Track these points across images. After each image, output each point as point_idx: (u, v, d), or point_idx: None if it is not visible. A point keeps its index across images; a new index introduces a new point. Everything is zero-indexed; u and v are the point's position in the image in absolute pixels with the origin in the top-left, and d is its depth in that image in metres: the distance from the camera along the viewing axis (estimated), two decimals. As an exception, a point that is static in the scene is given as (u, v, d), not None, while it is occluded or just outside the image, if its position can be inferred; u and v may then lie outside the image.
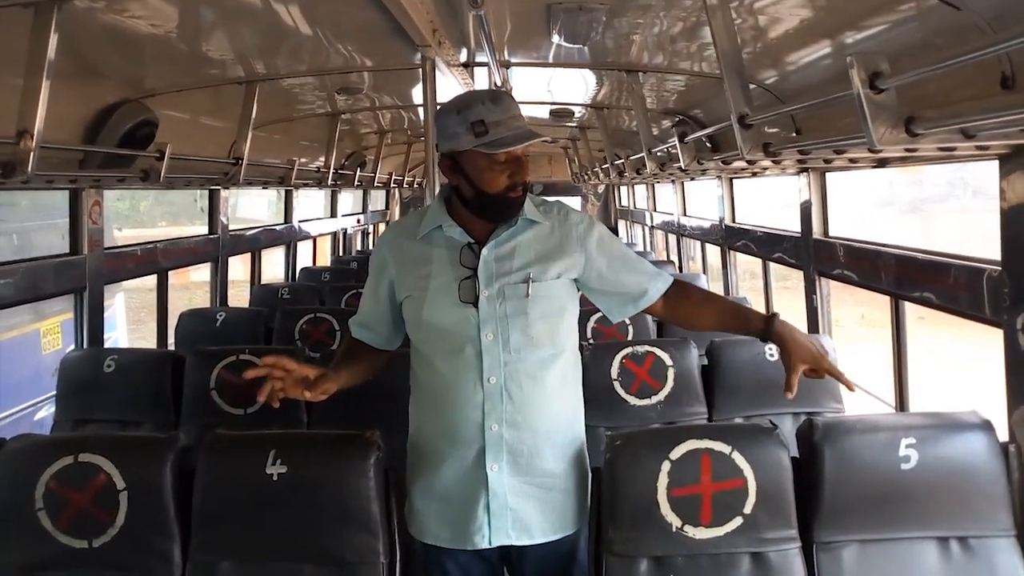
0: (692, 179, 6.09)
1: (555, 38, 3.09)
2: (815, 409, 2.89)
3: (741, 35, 2.68)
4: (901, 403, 3.05)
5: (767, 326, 1.90)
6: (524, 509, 1.84)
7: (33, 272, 3.37)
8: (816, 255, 3.71)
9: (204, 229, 5.58)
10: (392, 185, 10.91)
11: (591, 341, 3.66)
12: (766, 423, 1.98)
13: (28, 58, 2.34)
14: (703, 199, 6.47)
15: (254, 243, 6.39)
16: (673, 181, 6.78)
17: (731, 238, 5.38)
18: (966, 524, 1.88)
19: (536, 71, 4.30)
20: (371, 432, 1.95)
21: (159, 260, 4.62)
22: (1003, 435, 1.95)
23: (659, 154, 4.49)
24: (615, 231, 12.29)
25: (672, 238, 7.86)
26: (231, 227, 5.74)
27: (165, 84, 3.48)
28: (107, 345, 4.42)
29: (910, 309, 2.98)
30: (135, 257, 4.38)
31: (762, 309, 4.85)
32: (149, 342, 5.00)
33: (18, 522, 1.90)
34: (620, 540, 1.88)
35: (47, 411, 4.08)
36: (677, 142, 3.85)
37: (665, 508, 1.86)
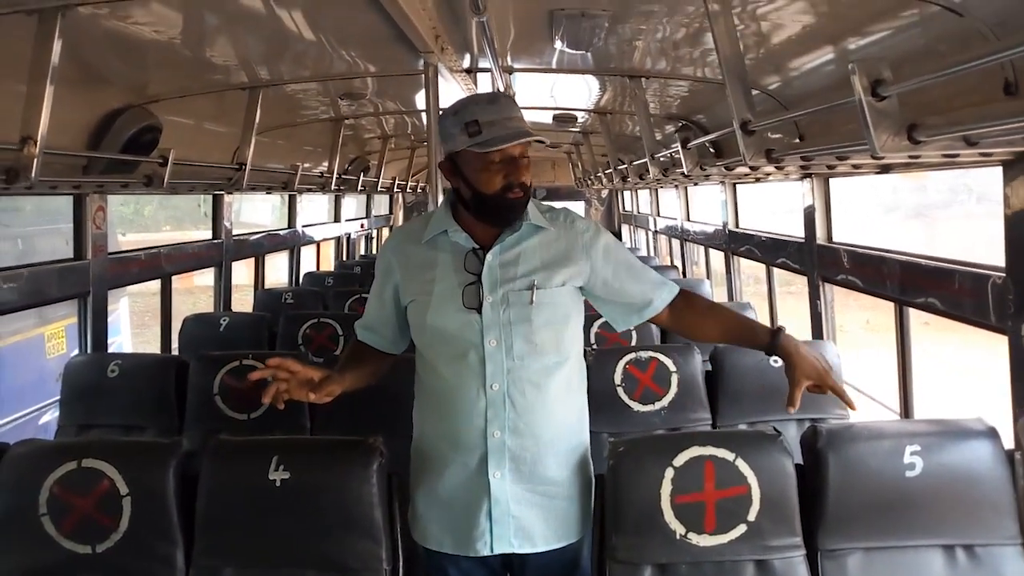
0: (695, 184, 6.09)
1: (558, 44, 3.09)
2: (820, 415, 2.89)
3: (744, 41, 2.69)
4: (906, 410, 3.04)
5: (773, 340, 1.90)
6: (527, 517, 1.84)
7: (37, 277, 3.38)
8: (820, 261, 3.71)
9: (208, 233, 5.59)
10: (396, 190, 10.93)
11: (595, 346, 3.66)
12: (770, 430, 1.97)
13: (32, 64, 2.35)
14: (707, 204, 6.47)
15: (258, 248, 6.41)
16: (676, 186, 6.78)
17: (735, 243, 5.37)
18: (972, 532, 1.87)
19: (539, 76, 4.31)
20: (374, 438, 1.95)
21: (163, 265, 4.63)
22: (1008, 442, 1.94)
23: (662, 159, 4.49)
24: (618, 236, 12.29)
25: (676, 243, 7.86)
26: (235, 232, 5.76)
27: (169, 90, 3.50)
28: (111, 349, 4.43)
29: (915, 314, 2.98)
30: (139, 262, 4.39)
31: (766, 314, 4.84)
32: (153, 346, 5.01)
33: (22, 527, 1.90)
34: (623, 547, 1.88)
35: (51, 415, 4.09)
36: (680, 148, 3.85)
37: (669, 515, 1.86)
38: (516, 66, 3.89)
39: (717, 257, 6.15)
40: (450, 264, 1.86)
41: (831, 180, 3.74)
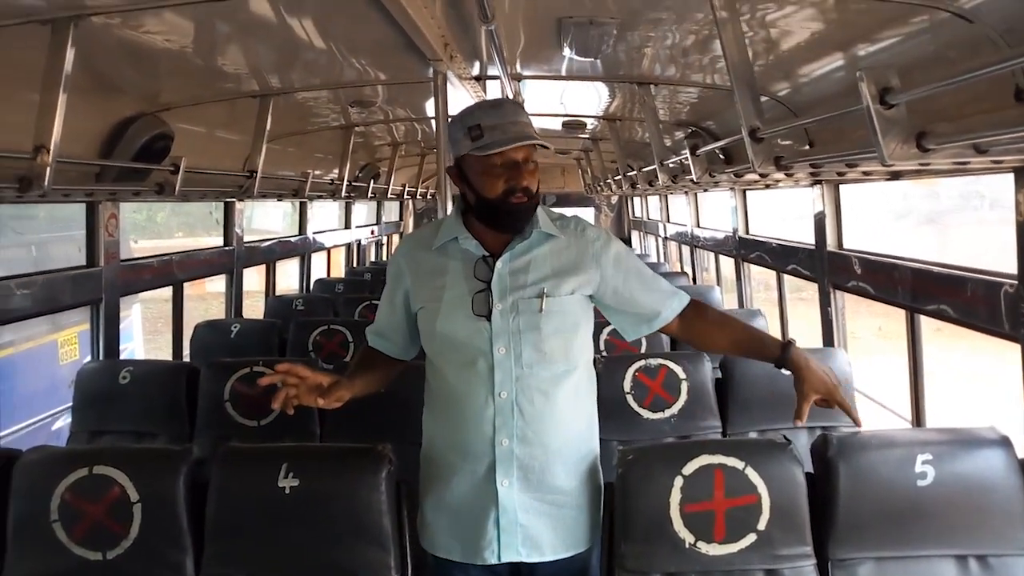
0: (705, 191, 6.08)
1: (566, 51, 3.10)
2: (831, 423, 2.86)
3: (753, 48, 2.68)
4: (917, 418, 3.02)
5: (783, 353, 1.89)
6: (535, 526, 1.83)
7: (50, 284, 3.41)
8: (830, 267, 3.69)
9: (220, 240, 5.62)
10: (406, 196, 10.96)
11: (604, 353, 3.65)
12: (780, 438, 1.96)
13: (45, 74, 2.37)
14: (717, 210, 6.45)
15: (269, 255, 6.44)
16: (686, 192, 6.77)
17: (745, 250, 5.35)
18: (984, 542, 1.85)
19: (548, 83, 4.32)
20: (383, 445, 1.95)
21: (175, 272, 4.66)
22: (1022, 451, 1.92)
23: (671, 166, 4.49)
24: (628, 242, 12.28)
25: (686, 249, 7.84)
26: (246, 239, 5.79)
27: (180, 98, 3.53)
28: (124, 356, 4.46)
29: (927, 320, 2.95)
30: (151, 269, 4.42)
31: (777, 320, 4.82)
32: (165, 352, 5.04)
33: (34, 533, 1.91)
34: (633, 556, 1.87)
35: (64, 421, 4.11)
36: (689, 155, 3.84)
37: (678, 524, 1.85)
38: (525, 73, 3.91)
39: (727, 263, 6.13)
40: (460, 271, 1.86)
41: (841, 186, 3.72)
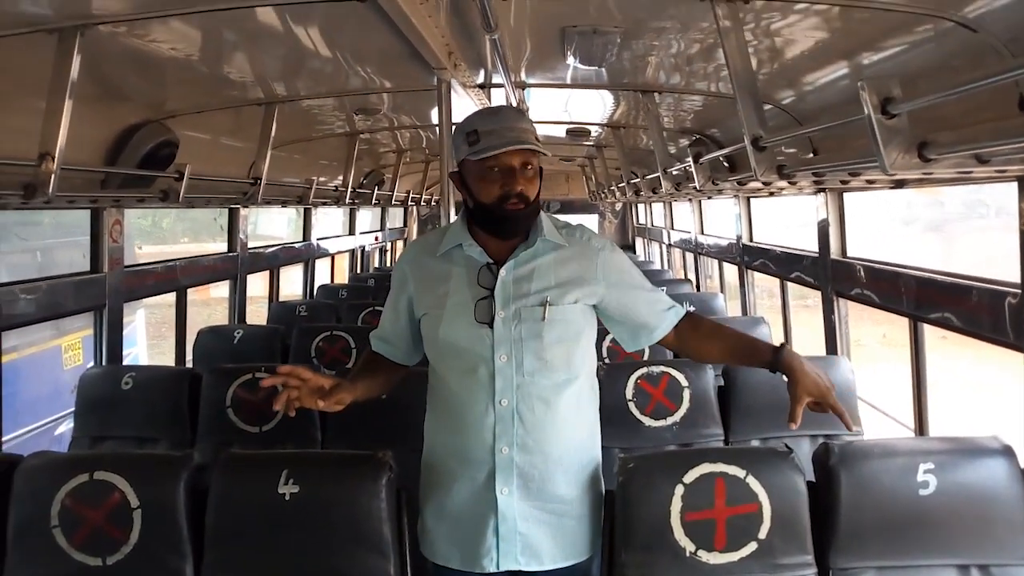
0: (709, 198, 6.08)
1: (570, 60, 3.10)
2: (833, 432, 2.85)
3: (757, 56, 2.69)
4: (920, 427, 3.01)
5: (775, 356, 1.88)
6: (534, 534, 1.83)
7: (54, 289, 3.42)
8: (834, 275, 3.68)
9: (225, 246, 5.64)
10: (410, 203, 10.97)
11: (606, 361, 3.64)
12: (782, 447, 1.95)
13: (50, 82, 2.39)
14: (721, 217, 6.45)
15: (273, 261, 6.45)
16: (690, 199, 6.77)
17: (749, 257, 5.35)
18: (987, 552, 1.84)
19: (553, 91, 4.33)
20: (383, 452, 1.95)
21: (178, 277, 4.67)
22: (1025, 461, 1.92)
23: (675, 173, 4.49)
24: (632, 248, 12.28)
25: (690, 256, 7.83)
26: (251, 244, 5.80)
27: (185, 105, 3.54)
28: (128, 361, 4.46)
29: (932, 329, 2.94)
30: (155, 275, 4.43)
31: (780, 328, 4.81)
32: (169, 357, 5.04)
33: (34, 539, 1.92)
34: (633, 564, 1.86)
35: (67, 426, 4.12)
36: (692, 163, 3.84)
37: (679, 532, 1.85)
38: (529, 81, 3.91)
39: (731, 271, 6.13)
40: (464, 278, 1.87)
41: (845, 194, 3.72)
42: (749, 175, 2.65)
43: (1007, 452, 1.87)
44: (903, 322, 3.09)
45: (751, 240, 5.40)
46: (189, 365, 4.49)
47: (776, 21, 2.39)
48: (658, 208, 9.72)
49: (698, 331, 2.00)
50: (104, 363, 3.80)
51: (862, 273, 3.36)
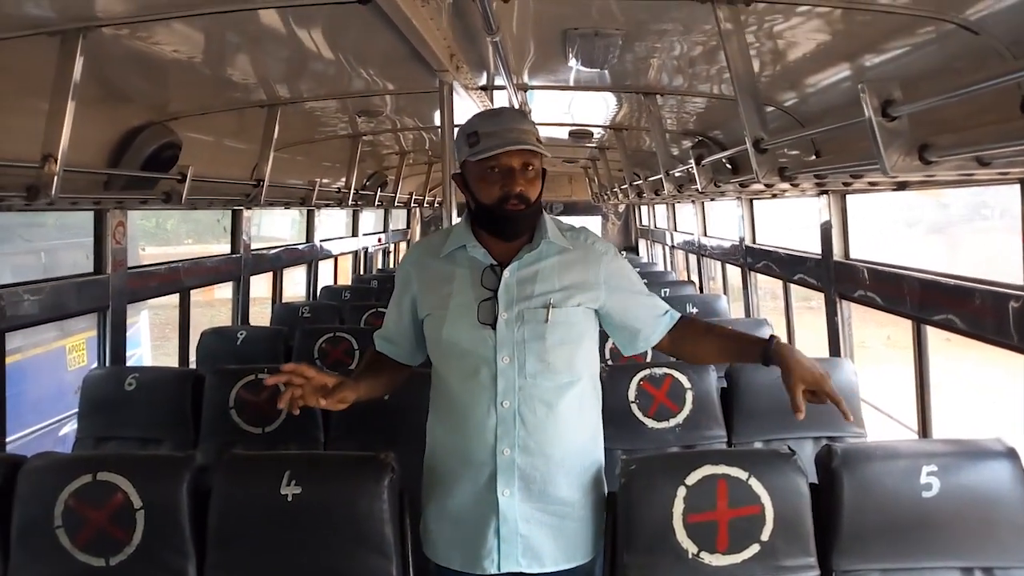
0: (711, 200, 6.07)
1: (572, 62, 3.11)
2: (836, 434, 2.86)
3: (760, 58, 2.69)
4: (924, 429, 3.00)
5: (766, 348, 1.86)
6: (536, 536, 1.83)
7: (58, 291, 3.43)
8: (837, 277, 3.68)
9: (228, 247, 5.65)
10: (413, 204, 10.98)
11: (609, 362, 3.64)
12: (784, 448, 1.95)
13: (54, 84, 2.40)
14: (724, 219, 6.44)
15: (276, 262, 6.46)
16: (693, 201, 6.77)
17: (752, 258, 5.34)
18: (991, 555, 1.84)
19: (555, 93, 4.33)
20: (385, 454, 1.95)
21: (182, 279, 4.68)
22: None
23: (677, 175, 4.48)
24: (636, 250, 12.27)
25: (693, 258, 7.83)
26: (254, 246, 5.81)
27: (189, 108, 3.55)
28: (132, 362, 4.47)
29: (937, 331, 2.94)
30: (158, 276, 4.44)
31: (783, 330, 4.80)
32: (173, 358, 5.05)
33: (38, 539, 1.92)
34: (635, 566, 1.86)
35: (71, 427, 4.13)
36: (694, 164, 3.84)
37: (681, 534, 1.84)
38: (531, 83, 3.92)
39: (734, 273, 6.12)
40: (467, 279, 1.87)
41: (848, 196, 3.72)
42: (751, 177, 2.65)
43: (1011, 454, 1.86)
44: (907, 324, 3.08)
45: (754, 242, 5.39)
46: (192, 366, 4.50)
47: (777, 23, 2.40)
48: (661, 210, 9.72)
49: (691, 333, 2.00)
50: (108, 364, 3.81)
51: (865, 275, 3.36)
